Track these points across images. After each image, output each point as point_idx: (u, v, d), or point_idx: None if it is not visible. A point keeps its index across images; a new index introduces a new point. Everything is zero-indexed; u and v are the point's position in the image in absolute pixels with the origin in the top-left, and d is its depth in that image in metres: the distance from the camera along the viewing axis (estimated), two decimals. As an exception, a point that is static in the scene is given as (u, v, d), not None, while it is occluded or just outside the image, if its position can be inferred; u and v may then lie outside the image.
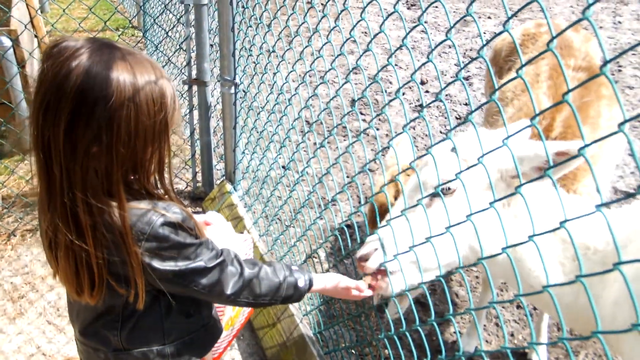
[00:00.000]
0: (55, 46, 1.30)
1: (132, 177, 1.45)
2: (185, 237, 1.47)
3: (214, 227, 1.99)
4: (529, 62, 1.24)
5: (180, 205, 1.52)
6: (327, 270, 2.95)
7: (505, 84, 1.38)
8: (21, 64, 4.21)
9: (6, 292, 3.48)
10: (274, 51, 2.95)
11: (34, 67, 4.84)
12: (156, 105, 1.35)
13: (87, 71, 1.25)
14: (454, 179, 1.57)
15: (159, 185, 1.51)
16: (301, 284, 1.77)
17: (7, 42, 3.92)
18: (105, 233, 1.36)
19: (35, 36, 5.13)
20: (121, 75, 1.29)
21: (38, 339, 3.19)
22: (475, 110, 1.44)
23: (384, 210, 2.25)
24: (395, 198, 2.32)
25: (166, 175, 1.52)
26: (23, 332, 3.22)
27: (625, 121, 0.92)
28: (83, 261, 1.38)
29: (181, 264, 1.47)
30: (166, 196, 1.53)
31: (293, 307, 3.04)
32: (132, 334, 1.61)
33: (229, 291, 1.60)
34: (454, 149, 1.75)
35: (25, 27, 4.12)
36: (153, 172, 1.46)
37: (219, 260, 1.57)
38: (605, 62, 0.93)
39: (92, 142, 1.29)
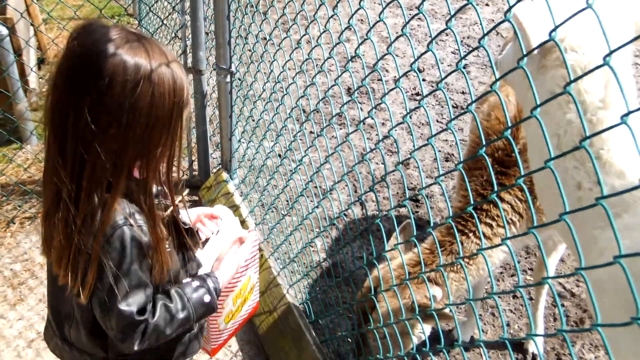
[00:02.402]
0: (85, 27, 1.33)
1: (139, 174, 1.45)
2: (136, 262, 1.44)
3: (221, 221, 1.97)
4: (530, 52, 1.23)
5: (173, 202, 1.55)
6: (324, 260, 2.95)
7: (506, 74, 1.37)
8: (18, 52, 4.19)
9: (6, 278, 3.49)
10: (270, 39, 2.93)
11: (30, 56, 4.81)
12: (176, 96, 1.39)
13: (118, 55, 1.29)
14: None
15: (162, 179, 1.51)
16: (207, 299, 1.64)
17: (4, 31, 3.90)
18: (88, 220, 1.38)
19: (32, 24, 5.09)
20: (147, 63, 1.33)
21: (38, 325, 3.20)
22: (475, 101, 1.43)
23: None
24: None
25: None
26: (23, 318, 3.24)
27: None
28: (71, 241, 1.40)
29: (114, 287, 1.41)
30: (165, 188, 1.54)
31: (289, 296, 3.05)
32: (80, 336, 1.62)
33: (135, 347, 1.50)
34: None
35: (22, 15, 4.08)
36: (161, 163, 1.47)
37: (144, 317, 1.48)
38: (610, 52, 0.92)
39: (113, 124, 1.32)
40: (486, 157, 1.43)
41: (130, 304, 1.44)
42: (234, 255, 1.85)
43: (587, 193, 1.53)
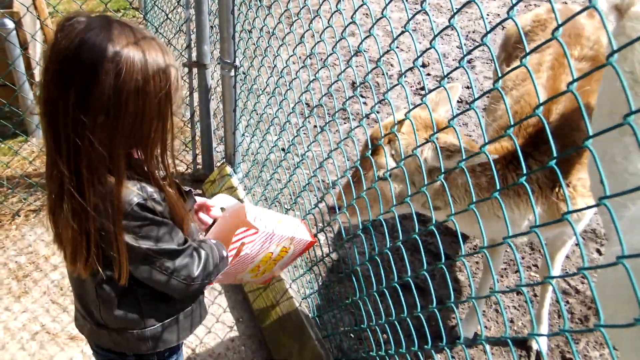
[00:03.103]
0: (69, 19, 1.35)
1: (137, 156, 1.50)
2: (158, 219, 1.51)
3: (216, 209, 1.99)
4: (533, 50, 1.23)
5: (174, 189, 1.57)
6: (328, 255, 2.95)
7: (509, 72, 1.36)
8: (24, 46, 4.20)
9: (11, 270, 3.50)
10: (274, 34, 2.93)
11: (36, 50, 4.81)
12: (162, 80, 1.41)
13: (99, 44, 1.31)
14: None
15: (160, 166, 1.54)
16: (224, 252, 1.79)
17: (10, 25, 3.91)
18: (101, 207, 1.41)
19: (38, 18, 5.09)
20: (131, 50, 1.34)
21: (42, 318, 3.22)
22: (479, 98, 1.43)
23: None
24: (389, 142, 2.38)
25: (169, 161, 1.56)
26: (28, 311, 3.26)
27: (632, 113, 0.90)
28: (83, 231, 1.43)
29: (154, 244, 1.51)
30: (166, 177, 1.57)
31: (292, 290, 3.05)
32: (111, 315, 1.66)
33: (196, 272, 1.62)
34: None
35: (28, 9, 4.09)
36: (156, 149, 1.49)
37: (186, 245, 1.61)
38: (613, 52, 0.91)
39: (100, 112, 1.34)
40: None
41: (168, 242, 1.54)
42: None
43: None
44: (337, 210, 2.46)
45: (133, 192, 1.44)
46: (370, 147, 2.33)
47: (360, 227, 2.31)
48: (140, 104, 1.37)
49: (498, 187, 1.40)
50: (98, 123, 1.35)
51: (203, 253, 1.67)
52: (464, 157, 1.55)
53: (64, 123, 1.34)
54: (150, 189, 1.49)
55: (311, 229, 3.09)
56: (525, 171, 1.27)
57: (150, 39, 1.42)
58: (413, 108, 1.80)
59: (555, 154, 1.16)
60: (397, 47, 1.75)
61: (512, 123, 1.31)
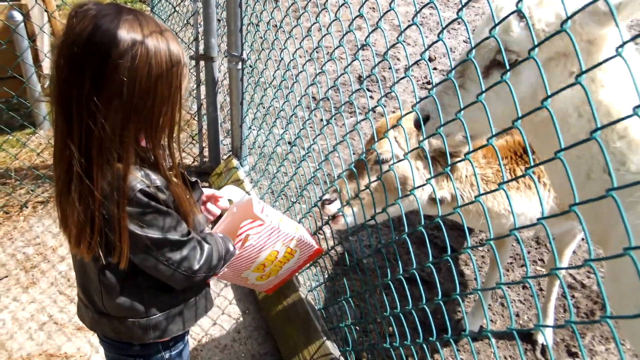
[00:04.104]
0: (82, 6, 1.39)
1: (144, 144, 1.52)
2: (161, 208, 1.52)
3: (224, 200, 2.01)
4: (542, 42, 1.23)
5: (179, 179, 1.59)
6: (333, 248, 2.96)
7: (518, 64, 1.36)
8: (32, 38, 4.21)
9: (19, 261, 3.53)
10: (281, 27, 2.93)
11: (44, 42, 4.82)
12: (173, 66, 1.44)
13: (114, 29, 1.35)
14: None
15: (167, 156, 1.56)
16: (231, 247, 1.84)
17: (19, 17, 3.93)
18: (107, 191, 1.44)
19: (46, 11, 5.11)
20: (144, 36, 1.38)
21: (50, 308, 3.25)
22: (485, 91, 1.43)
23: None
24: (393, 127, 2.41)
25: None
26: (35, 301, 3.29)
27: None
28: (88, 214, 1.45)
29: (157, 233, 1.53)
30: (172, 167, 1.59)
31: (298, 283, 3.06)
32: (113, 303, 1.67)
33: (196, 265, 1.65)
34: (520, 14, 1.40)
35: (36, 1, 4.10)
36: (164, 136, 1.52)
37: (189, 237, 1.63)
38: (622, 44, 0.91)
39: (114, 96, 1.37)
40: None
41: (171, 233, 1.55)
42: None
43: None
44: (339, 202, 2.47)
45: (137, 178, 1.47)
46: (376, 139, 2.34)
47: (366, 219, 2.31)
48: (152, 88, 1.41)
49: (505, 179, 1.40)
50: (112, 106, 1.38)
51: (206, 247, 1.69)
52: (470, 149, 1.55)
53: (77, 106, 1.37)
54: (153, 177, 1.51)
55: (317, 221, 3.10)
56: (532, 163, 1.27)
57: (160, 26, 1.46)
58: (420, 101, 1.81)
59: (562, 147, 1.16)
60: (404, 41, 1.75)
61: (519, 115, 1.31)
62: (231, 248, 1.84)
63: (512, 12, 1.34)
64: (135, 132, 1.45)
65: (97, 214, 1.44)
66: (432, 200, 2.40)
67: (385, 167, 2.25)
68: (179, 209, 1.58)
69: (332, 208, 2.50)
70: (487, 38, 1.46)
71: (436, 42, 1.64)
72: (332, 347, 2.70)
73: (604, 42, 1.45)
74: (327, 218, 2.63)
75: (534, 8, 1.47)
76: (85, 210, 1.44)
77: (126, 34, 1.36)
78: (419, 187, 1.85)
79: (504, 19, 1.40)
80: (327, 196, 2.53)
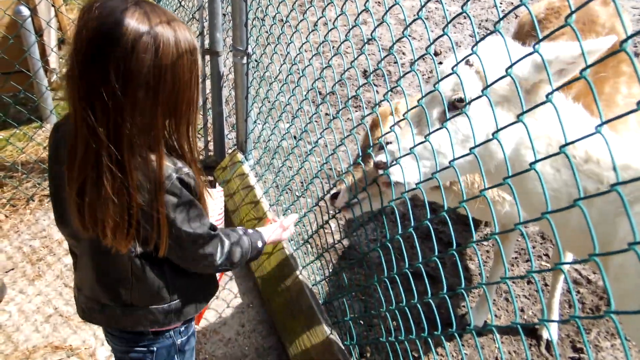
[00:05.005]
0: (96, 0, 1.38)
1: (169, 133, 1.55)
2: (192, 198, 1.58)
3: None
4: (546, 37, 1.22)
5: (196, 166, 1.62)
6: (338, 242, 2.97)
7: (520, 60, 1.36)
8: (39, 33, 4.22)
9: (25, 254, 3.55)
10: (287, 21, 2.93)
11: (51, 36, 4.83)
12: (193, 55, 1.47)
13: (135, 22, 1.36)
14: (470, 97, 1.60)
15: (184, 143, 1.59)
16: (260, 245, 1.95)
17: (26, 12, 3.94)
18: (142, 181, 1.47)
19: (53, 5, 5.12)
20: (164, 27, 1.40)
21: (56, 301, 3.27)
22: (491, 84, 1.43)
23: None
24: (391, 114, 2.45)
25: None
26: (41, 294, 3.31)
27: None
28: (124, 207, 1.47)
29: (189, 225, 1.59)
30: (189, 154, 1.62)
31: (302, 277, 3.07)
32: (141, 292, 1.70)
33: (218, 260, 1.74)
34: (468, 62, 1.74)
35: (44, -4, 4.12)
36: (185, 124, 1.55)
37: (215, 233, 1.70)
38: (627, 38, 0.91)
39: (140, 87, 1.39)
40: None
41: (201, 226, 1.63)
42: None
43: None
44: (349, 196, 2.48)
45: (170, 167, 1.51)
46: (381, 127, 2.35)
47: (372, 213, 2.31)
48: (175, 77, 1.43)
49: (509, 174, 1.40)
50: (138, 98, 1.39)
51: (227, 242, 1.78)
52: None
53: (102, 102, 1.37)
54: (180, 164, 1.55)
55: (322, 216, 3.11)
56: (536, 158, 1.27)
57: (176, 18, 1.47)
58: (425, 95, 1.81)
59: (566, 141, 1.16)
60: (410, 35, 1.75)
61: (524, 109, 1.31)
62: (260, 245, 1.94)
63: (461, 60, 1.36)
64: (162, 122, 1.47)
65: (134, 205, 1.46)
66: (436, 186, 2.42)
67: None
68: (200, 199, 1.64)
69: (340, 201, 2.51)
70: (432, 91, 1.75)
71: (441, 36, 1.64)
72: (336, 341, 2.70)
73: (539, 89, 1.70)
74: (334, 212, 2.64)
75: (478, 58, 1.66)
76: (121, 202, 1.45)
77: (148, 27, 1.36)
78: (422, 182, 1.84)
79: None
80: (335, 190, 2.53)
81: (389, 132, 2.15)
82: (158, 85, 1.40)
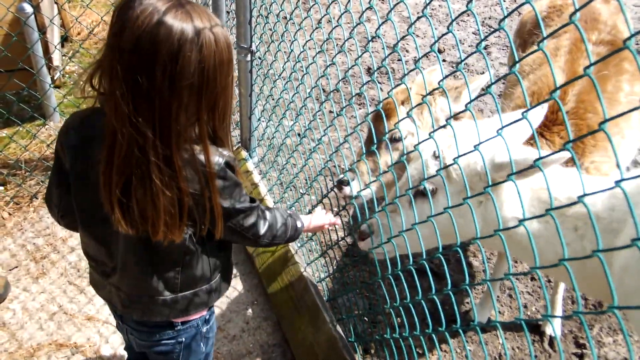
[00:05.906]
0: (133, 1, 1.38)
1: (208, 125, 1.59)
2: (237, 179, 1.66)
3: None
4: (551, 34, 1.23)
5: (232, 151, 1.68)
6: (342, 239, 2.97)
7: (525, 56, 1.36)
8: (42, 30, 4.22)
9: (29, 252, 3.56)
10: (291, 19, 2.93)
11: (54, 34, 4.84)
12: (229, 51, 1.50)
13: (179, 22, 1.37)
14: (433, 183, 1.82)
15: (222, 134, 1.63)
16: (299, 225, 2.06)
17: (29, 9, 3.94)
18: (191, 174, 1.51)
19: (56, 3, 5.12)
20: (204, 25, 1.42)
21: (60, 298, 3.28)
22: (495, 82, 1.43)
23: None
24: (402, 103, 2.52)
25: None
26: (45, 291, 3.32)
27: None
28: (175, 199, 1.51)
29: (235, 203, 1.68)
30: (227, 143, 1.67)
31: (307, 274, 3.08)
32: (189, 276, 1.76)
33: (262, 232, 1.83)
34: (435, 154, 1.96)
35: (46, -7, 4.12)
36: (223, 117, 1.59)
37: (255, 204, 1.78)
38: (631, 36, 0.92)
39: (186, 86, 1.42)
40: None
41: (245, 201, 1.73)
42: None
43: None
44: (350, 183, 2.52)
45: (215, 153, 1.56)
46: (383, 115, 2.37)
47: (377, 210, 2.32)
48: (217, 73, 1.47)
49: (513, 171, 1.41)
50: (184, 95, 1.42)
51: (269, 215, 1.89)
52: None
53: (149, 102, 1.40)
54: (221, 149, 1.60)
55: (326, 213, 3.12)
56: (540, 154, 1.28)
57: (213, 16, 1.50)
58: (429, 93, 1.81)
59: (570, 138, 1.16)
60: (414, 33, 1.76)
61: (528, 106, 1.31)
62: (298, 225, 2.06)
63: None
64: (205, 116, 1.51)
65: (185, 197, 1.50)
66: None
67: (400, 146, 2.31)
68: (239, 177, 1.71)
69: (349, 189, 2.54)
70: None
71: (445, 34, 1.64)
72: (340, 338, 2.71)
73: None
74: (338, 209, 2.64)
75: (446, 150, 1.91)
76: (171, 196, 1.49)
77: (192, 26, 1.39)
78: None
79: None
80: (342, 176, 2.57)
81: (393, 129, 2.16)
82: (202, 82, 1.44)
